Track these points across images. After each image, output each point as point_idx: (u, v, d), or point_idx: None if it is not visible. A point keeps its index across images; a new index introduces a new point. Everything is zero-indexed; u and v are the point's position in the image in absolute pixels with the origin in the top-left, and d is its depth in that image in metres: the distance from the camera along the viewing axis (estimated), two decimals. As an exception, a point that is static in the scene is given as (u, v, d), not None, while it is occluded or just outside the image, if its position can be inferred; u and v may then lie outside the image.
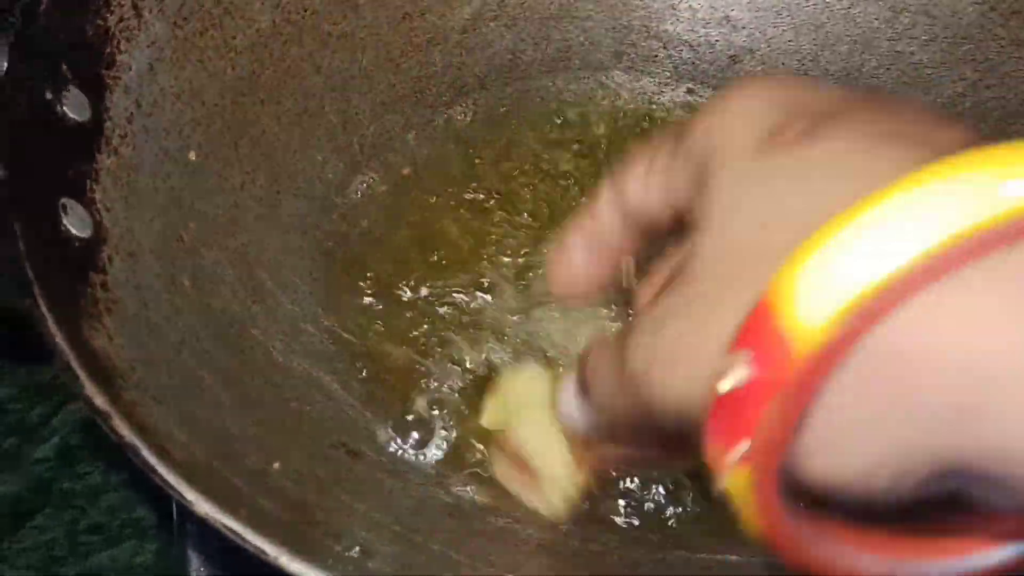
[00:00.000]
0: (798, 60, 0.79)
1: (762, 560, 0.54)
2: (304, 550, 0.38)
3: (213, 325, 0.56)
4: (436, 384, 0.62)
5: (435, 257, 0.68)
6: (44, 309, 0.42)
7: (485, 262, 0.68)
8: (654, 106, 0.79)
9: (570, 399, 0.43)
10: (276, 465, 0.49)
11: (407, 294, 0.66)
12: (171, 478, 0.38)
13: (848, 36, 0.77)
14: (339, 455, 0.55)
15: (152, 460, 0.39)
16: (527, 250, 0.68)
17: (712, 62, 0.80)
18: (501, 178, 0.72)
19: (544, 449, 0.54)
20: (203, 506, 0.38)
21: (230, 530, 0.37)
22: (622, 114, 0.78)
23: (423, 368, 0.62)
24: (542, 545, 0.54)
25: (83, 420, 0.83)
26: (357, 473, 0.54)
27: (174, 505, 0.65)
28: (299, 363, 0.59)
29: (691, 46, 0.81)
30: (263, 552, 0.37)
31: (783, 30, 0.79)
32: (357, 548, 0.43)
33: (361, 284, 0.66)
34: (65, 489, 0.78)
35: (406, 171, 0.73)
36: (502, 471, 0.57)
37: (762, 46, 0.80)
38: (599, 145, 0.75)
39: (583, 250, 0.46)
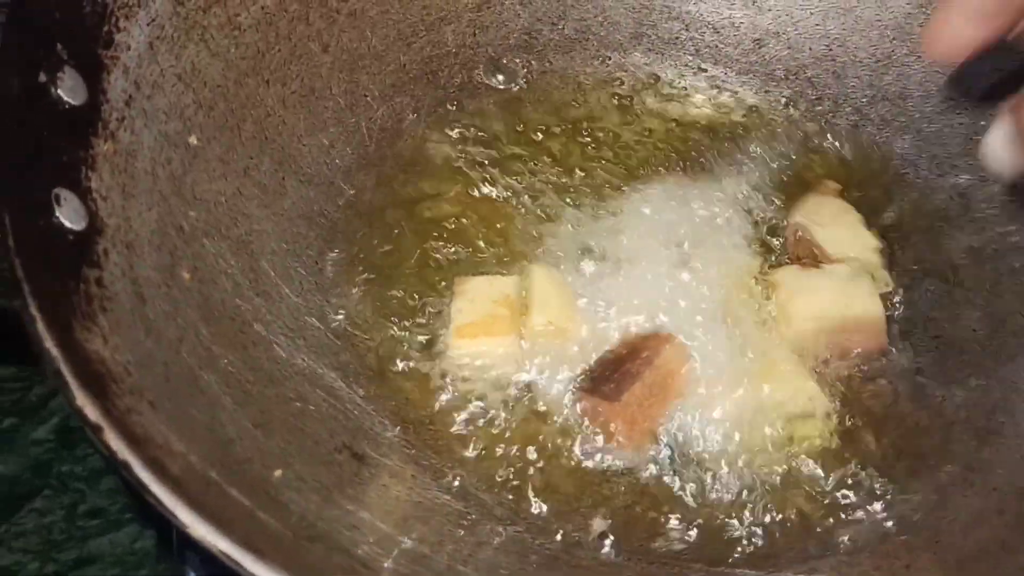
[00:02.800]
0: (826, 45, 0.75)
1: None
2: (298, 572, 0.36)
3: (214, 320, 0.53)
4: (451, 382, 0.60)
5: (449, 248, 0.65)
6: (34, 310, 0.40)
7: (499, 250, 0.66)
8: (674, 90, 0.76)
9: (1000, 144, 0.53)
10: (278, 473, 0.47)
11: (416, 285, 0.64)
12: (165, 498, 0.36)
13: (879, 21, 0.74)
14: (343, 459, 0.52)
15: (145, 478, 0.37)
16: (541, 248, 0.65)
17: (736, 45, 0.77)
18: (516, 167, 0.70)
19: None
20: (199, 529, 0.36)
21: (226, 556, 0.35)
22: (641, 99, 0.75)
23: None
24: (554, 556, 0.52)
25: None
26: (362, 478, 0.52)
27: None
28: (303, 359, 0.57)
29: (714, 28, 0.77)
30: (261, 581, 0.35)
31: (811, 13, 0.76)
32: (360, 566, 0.41)
33: (368, 274, 0.64)
34: (64, 471, 0.77)
35: (413, 157, 0.70)
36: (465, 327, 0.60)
37: (788, 29, 0.76)
38: (614, 133, 0.73)
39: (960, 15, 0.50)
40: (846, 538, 0.53)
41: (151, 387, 0.44)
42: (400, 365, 0.60)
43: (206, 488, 0.40)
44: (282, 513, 0.43)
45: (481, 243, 0.66)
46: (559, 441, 0.58)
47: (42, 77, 0.49)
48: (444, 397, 0.59)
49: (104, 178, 0.51)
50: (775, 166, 0.71)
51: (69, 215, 0.47)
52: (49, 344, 0.39)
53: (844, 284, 0.61)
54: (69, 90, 0.51)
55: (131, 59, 0.55)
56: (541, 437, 0.58)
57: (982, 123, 0.69)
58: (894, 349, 0.62)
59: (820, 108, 0.75)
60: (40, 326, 0.39)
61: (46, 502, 0.77)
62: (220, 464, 0.43)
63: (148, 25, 0.57)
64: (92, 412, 0.38)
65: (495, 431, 0.58)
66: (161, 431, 0.42)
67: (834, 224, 0.66)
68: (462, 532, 0.52)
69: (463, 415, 0.58)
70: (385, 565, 0.43)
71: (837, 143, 0.73)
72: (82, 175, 0.50)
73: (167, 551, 0.68)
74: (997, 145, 0.54)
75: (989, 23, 0.51)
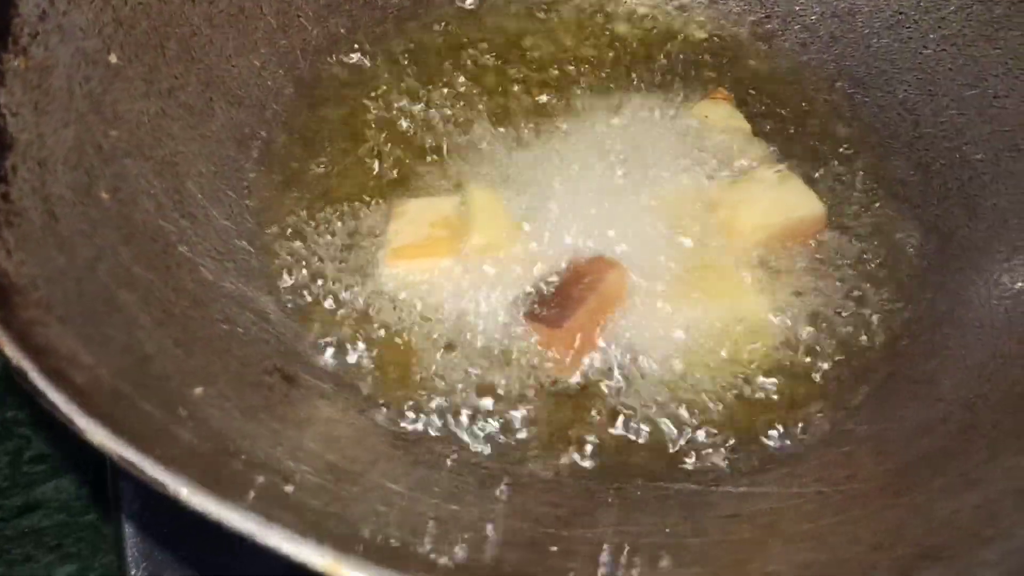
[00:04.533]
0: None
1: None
2: (210, 482, 0.34)
3: (135, 241, 0.51)
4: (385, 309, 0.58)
5: (385, 169, 0.63)
6: (-75, 219, 0.38)
7: (434, 172, 0.64)
8: (620, 7, 0.74)
9: None
10: (199, 390, 0.45)
11: (350, 208, 0.62)
12: (62, 404, 0.34)
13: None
14: (273, 380, 0.51)
15: (42, 385, 0.35)
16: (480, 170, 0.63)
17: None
18: (453, 89, 0.68)
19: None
20: (97, 433, 0.34)
21: (126, 461, 0.33)
22: (586, 17, 0.73)
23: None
24: (491, 474, 0.51)
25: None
26: (292, 399, 0.50)
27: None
28: (232, 282, 0.55)
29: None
30: (163, 486, 0.33)
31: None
32: (281, 480, 0.39)
33: (301, 195, 0.62)
34: (8, 418, 0.76)
35: (348, 78, 0.68)
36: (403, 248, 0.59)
37: (737, -54, 0.75)
38: (555, 52, 0.71)
39: None
40: (788, 450, 0.53)
41: (61, 302, 0.42)
42: (334, 288, 0.59)
43: (114, 400, 0.38)
44: (200, 428, 0.41)
45: (417, 167, 0.64)
46: (493, 365, 0.57)
47: (-57, -14, 0.47)
48: (378, 321, 0.58)
49: (15, 93, 0.49)
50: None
51: (-26, 129, 0.45)
52: (-60, 252, 0.37)
53: (778, 189, 0.60)
54: (-25, 2, 0.48)
55: (44, -29, 0.53)
56: (476, 361, 0.57)
57: (931, 36, 0.67)
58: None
59: (769, 26, 0.74)
60: (-68, 234, 0.37)
61: None
62: (133, 380, 0.41)
63: (62, -65, 0.54)
64: (-13, 318, 0.36)
65: (428, 356, 0.57)
66: (68, 344, 0.40)
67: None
68: (397, 452, 0.50)
69: (398, 339, 0.57)
70: (309, 479, 0.42)
71: (784, 63, 0.72)
72: (-11, 90, 0.47)
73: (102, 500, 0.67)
74: None
75: None
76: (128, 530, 0.55)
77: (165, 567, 0.54)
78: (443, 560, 0.36)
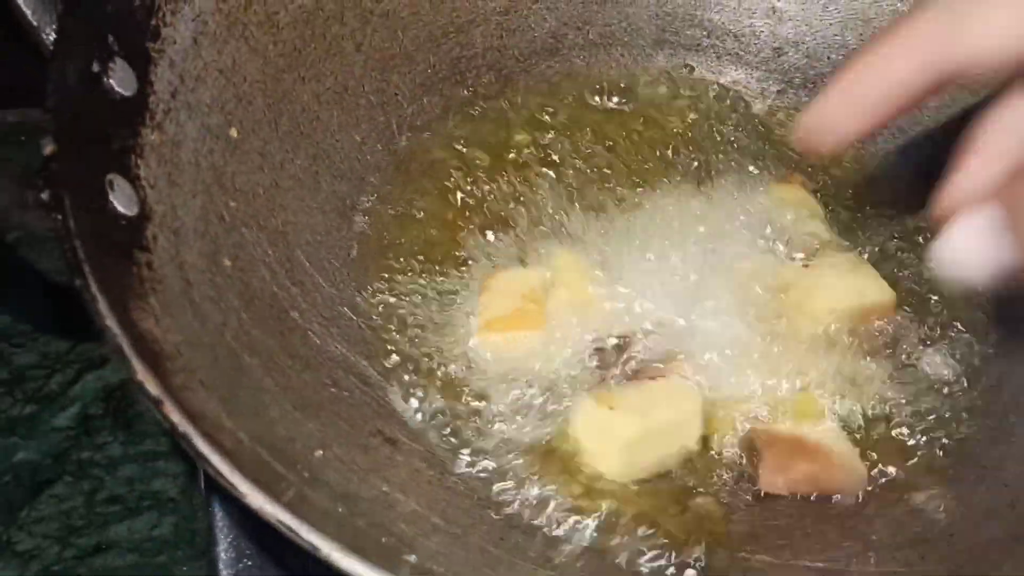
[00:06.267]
0: (843, 54, 0.77)
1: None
2: (355, 546, 0.37)
3: (254, 307, 0.55)
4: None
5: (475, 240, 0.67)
6: (95, 290, 0.41)
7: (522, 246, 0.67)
8: (695, 96, 0.78)
9: (970, 242, 0.45)
10: (319, 453, 0.48)
11: (442, 277, 0.65)
12: (224, 468, 0.38)
13: (896, 32, 0.76)
14: (377, 443, 0.54)
15: (204, 449, 0.38)
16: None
17: (756, 53, 0.79)
18: (537, 167, 0.72)
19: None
20: (256, 499, 0.37)
21: (284, 525, 0.37)
22: (663, 104, 0.77)
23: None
24: (580, 544, 0.54)
25: (103, 389, 0.83)
26: (396, 462, 0.53)
27: (201, 480, 0.65)
28: (336, 347, 0.58)
29: (735, 36, 0.80)
30: (315, 548, 0.36)
31: (830, 23, 0.78)
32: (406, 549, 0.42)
33: (396, 265, 0.65)
34: (83, 459, 0.79)
35: (441, 154, 0.72)
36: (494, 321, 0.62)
37: (807, 39, 0.78)
38: (638, 134, 0.75)
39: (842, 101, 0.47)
40: (868, 532, 0.55)
41: (200, 367, 0.46)
42: (427, 358, 0.62)
43: (257, 465, 0.42)
44: (326, 490, 0.45)
45: (502, 240, 0.68)
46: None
47: (95, 67, 0.51)
48: (470, 387, 0.61)
49: (152, 166, 0.53)
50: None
51: (122, 200, 0.49)
52: (111, 321, 0.41)
53: (850, 274, 0.63)
54: (120, 81, 0.52)
55: (176, 53, 0.57)
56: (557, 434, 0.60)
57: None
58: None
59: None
60: (101, 304, 0.41)
61: (66, 488, 0.79)
62: (266, 443, 0.45)
63: (192, 20, 0.58)
64: (152, 387, 0.39)
65: (519, 421, 0.60)
66: (212, 408, 0.43)
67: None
68: (493, 515, 0.53)
69: (493, 406, 0.60)
70: (424, 543, 0.45)
71: (854, 150, 0.75)
72: (132, 163, 0.51)
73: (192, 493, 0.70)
74: (964, 244, 0.47)
75: (869, 117, 0.49)
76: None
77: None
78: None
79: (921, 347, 0.64)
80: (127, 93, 0.53)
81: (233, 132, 0.60)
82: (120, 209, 0.48)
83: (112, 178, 0.49)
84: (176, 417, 0.39)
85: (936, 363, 0.63)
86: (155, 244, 0.50)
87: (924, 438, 0.60)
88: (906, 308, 0.65)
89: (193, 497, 0.78)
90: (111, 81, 0.52)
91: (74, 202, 0.45)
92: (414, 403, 0.59)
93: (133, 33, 0.54)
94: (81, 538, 0.77)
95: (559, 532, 0.54)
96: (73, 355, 0.86)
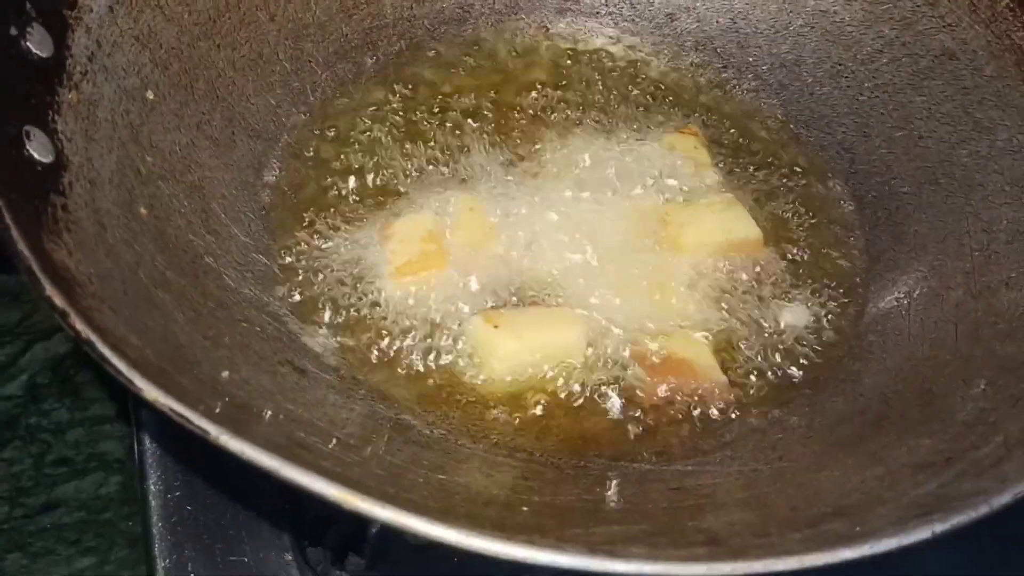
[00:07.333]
0: (730, 18, 0.83)
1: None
2: (244, 432, 0.42)
3: (169, 251, 0.59)
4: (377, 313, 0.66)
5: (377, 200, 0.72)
6: (8, 220, 0.46)
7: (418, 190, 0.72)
8: (594, 58, 0.83)
9: None
10: (225, 374, 0.53)
11: (349, 228, 0.70)
12: (123, 367, 0.42)
13: (777, -4, 0.82)
14: (286, 371, 0.59)
15: (106, 352, 0.43)
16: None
17: (651, 19, 0.85)
18: (448, 128, 0.77)
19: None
20: (152, 391, 0.42)
21: (176, 413, 0.41)
22: (567, 67, 0.82)
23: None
24: (475, 454, 0.59)
25: (51, 359, 0.86)
26: (303, 387, 0.58)
27: (133, 431, 0.69)
28: (250, 289, 0.63)
29: (631, 3, 0.85)
30: (206, 432, 0.41)
31: (717, -12, 0.84)
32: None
33: (307, 215, 0.70)
34: (32, 424, 0.82)
35: (352, 114, 0.77)
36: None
37: (697, 4, 0.84)
38: (539, 92, 0.80)
39: None
40: (729, 437, 0.61)
41: (110, 297, 0.50)
42: (339, 295, 0.67)
43: (159, 374, 0.46)
44: (229, 402, 0.49)
45: (410, 186, 0.73)
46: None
47: (12, 31, 0.55)
48: (381, 323, 0.66)
49: (69, 122, 0.57)
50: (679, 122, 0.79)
51: (38, 149, 0.53)
52: (22, 247, 0.45)
53: (722, 212, 0.69)
54: (37, 43, 0.57)
55: (93, 20, 0.61)
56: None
57: (866, 85, 0.77)
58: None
59: (725, 75, 0.83)
60: (14, 232, 0.46)
61: (15, 452, 0.81)
62: (171, 361, 0.49)
63: (108, -10, 0.63)
64: (60, 301, 0.44)
65: (430, 355, 0.65)
66: (119, 328, 0.48)
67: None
68: (394, 434, 0.58)
69: (399, 342, 0.65)
70: (319, 446, 0.49)
71: (739, 106, 0.81)
72: (49, 118, 0.56)
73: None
74: None
75: None
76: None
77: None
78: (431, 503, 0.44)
79: (788, 277, 0.70)
80: (44, 55, 0.57)
81: (150, 94, 0.65)
82: (36, 156, 0.53)
83: (29, 129, 0.53)
84: (80, 326, 0.43)
85: (803, 294, 0.69)
86: (71, 190, 0.54)
87: (787, 356, 0.66)
88: (778, 244, 0.71)
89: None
90: (28, 44, 0.56)
91: (-10, 146, 0.49)
92: (322, 339, 0.64)
93: (51, 1, 0.59)
94: (30, 498, 0.79)
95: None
96: (22, 328, 0.88)
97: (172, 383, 0.46)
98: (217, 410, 0.45)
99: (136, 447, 0.67)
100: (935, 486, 0.48)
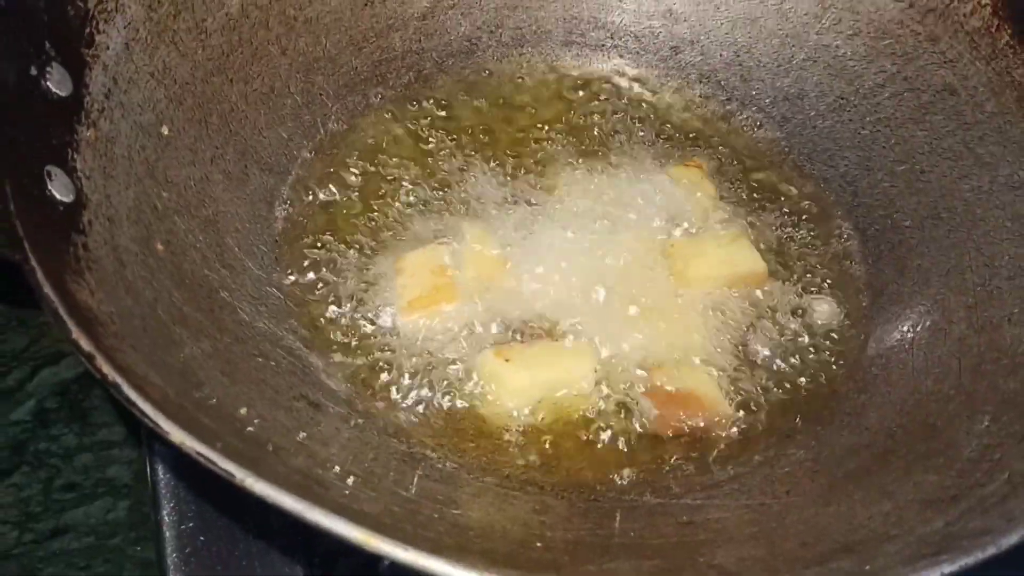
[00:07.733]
0: (734, 52, 0.85)
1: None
2: (267, 474, 0.43)
3: (185, 286, 0.60)
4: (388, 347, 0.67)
5: (387, 232, 0.73)
6: (35, 263, 0.47)
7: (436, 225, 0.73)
8: (601, 91, 0.85)
9: None
10: (243, 410, 0.53)
11: (360, 259, 0.71)
12: (149, 411, 0.43)
13: (780, 31, 0.83)
14: (301, 406, 0.59)
15: (132, 395, 0.44)
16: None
17: (656, 52, 0.86)
18: (457, 160, 0.78)
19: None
20: (178, 434, 0.43)
21: (202, 456, 0.42)
22: (574, 99, 0.84)
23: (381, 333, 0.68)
24: (487, 488, 0.60)
25: (59, 384, 0.87)
26: (318, 421, 0.59)
27: (146, 462, 0.70)
28: (264, 323, 0.64)
29: (636, 36, 0.86)
30: (231, 475, 0.42)
31: (721, 23, 0.85)
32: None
33: (319, 250, 0.71)
34: (40, 449, 0.82)
35: (362, 146, 0.78)
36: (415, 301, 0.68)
37: (701, 38, 0.85)
38: (547, 124, 0.81)
39: None
40: (736, 470, 0.62)
41: (131, 335, 0.51)
42: (353, 326, 0.68)
43: (181, 413, 0.47)
44: (248, 440, 0.50)
45: (411, 219, 0.74)
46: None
47: (33, 70, 0.56)
48: (391, 357, 0.67)
49: (87, 160, 0.58)
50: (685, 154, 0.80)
51: (59, 189, 0.54)
52: (47, 289, 0.46)
53: (728, 246, 0.71)
54: (57, 83, 0.58)
55: (110, 57, 0.62)
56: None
57: (867, 119, 0.78)
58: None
59: (729, 108, 0.84)
60: (39, 274, 0.46)
61: (24, 478, 0.81)
62: (191, 400, 0.50)
63: (124, 28, 0.64)
64: (86, 344, 0.45)
65: (442, 388, 0.66)
66: (141, 367, 0.48)
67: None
68: (407, 468, 0.59)
69: (410, 376, 0.66)
70: (338, 484, 0.50)
71: (744, 140, 0.82)
72: (68, 156, 0.56)
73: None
74: None
75: None
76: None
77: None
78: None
79: (792, 311, 0.71)
80: (63, 94, 0.58)
81: (165, 130, 0.66)
82: (58, 196, 0.54)
83: (50, 169, 0.54)
84: (107, 369, 0.44)
85: (806, 324, 0.70)
86: (90, 228, 0.55)
87: (793, 389, 0.67)
88: (782, 277, 0.72)
89: (146, 482, 0.82)
90: (48, 83, 0.57)
91: (14, 188, 0.50)
92: (335, 373, 0.65)
93: (69, 40, 0.60)
94: (39, 523, 0.79)
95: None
96: (29, 353, 0.89)
97: (193, 422, 0.47)
98: (240, 450, 0.46)
99: (149, 476, 0.67)
100: (942, 524, 0.49)
